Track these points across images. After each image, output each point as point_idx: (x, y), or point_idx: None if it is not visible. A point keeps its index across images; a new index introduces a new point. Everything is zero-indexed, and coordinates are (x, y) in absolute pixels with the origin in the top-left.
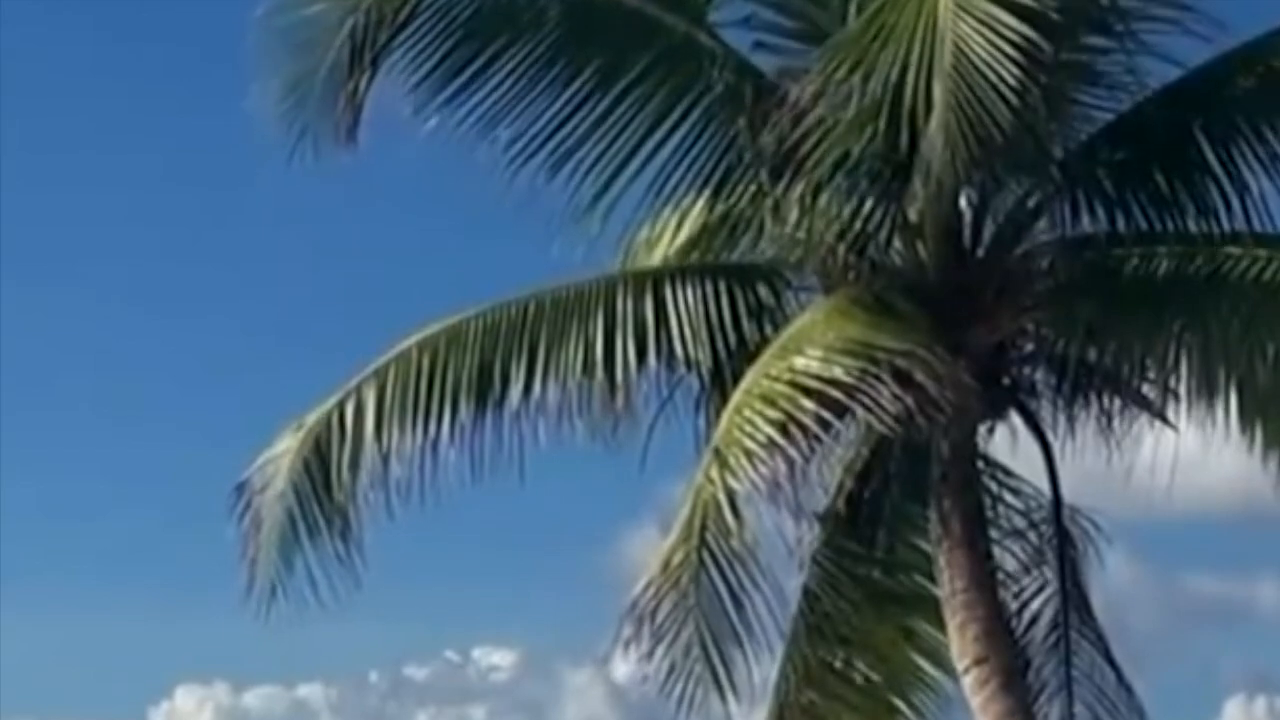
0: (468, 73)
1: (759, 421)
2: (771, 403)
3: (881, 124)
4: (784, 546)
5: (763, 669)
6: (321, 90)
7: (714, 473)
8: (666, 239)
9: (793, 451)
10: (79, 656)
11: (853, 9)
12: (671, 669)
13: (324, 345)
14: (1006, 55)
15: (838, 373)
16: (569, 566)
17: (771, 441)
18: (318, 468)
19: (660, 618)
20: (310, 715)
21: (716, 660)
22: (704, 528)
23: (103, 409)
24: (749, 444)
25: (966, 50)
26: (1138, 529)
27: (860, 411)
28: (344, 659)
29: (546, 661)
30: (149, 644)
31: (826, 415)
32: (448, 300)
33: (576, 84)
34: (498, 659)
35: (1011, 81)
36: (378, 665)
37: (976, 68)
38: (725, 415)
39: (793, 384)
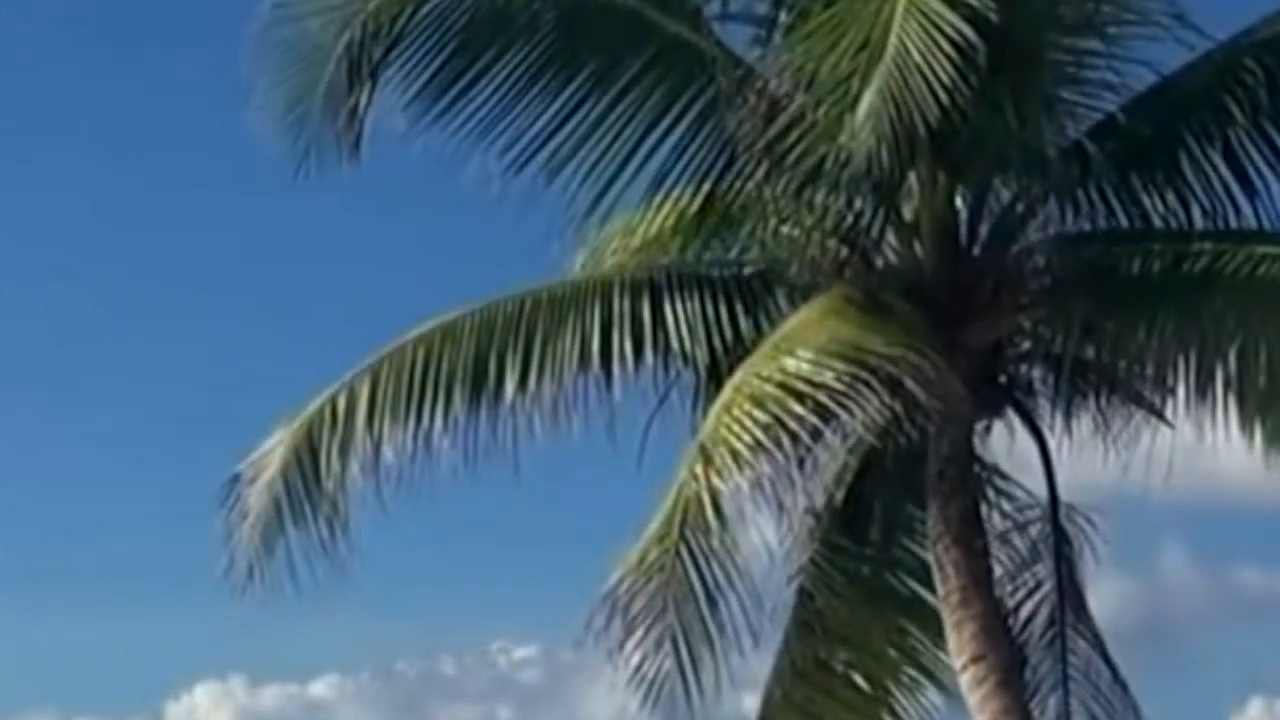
0: (464, 79)
1: (747, 422)
2: (760, 404)
3: (831, 114)
4: (767, 547)
5: (736, 666)
6: (322, 105)
7: (698, 470)
8: (656, 228)
9: (779, 455)
10: (99, 651)
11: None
12: (642, 662)
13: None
14: (942, 51)
15: (828, 378)
16: (598, 562)
17: (758, 443)
18: (308, 455)
19: (634, 611)
20: (329, 708)
21: (686, 657)
22: (684, 524)
23: (126, 408)
24: (736, 444)
25: (906, 42)
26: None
27: (849, 418)
28: (367, 653)
29: (574, 657)
30: (168, 639)
31: (815, 420)
32: (446, 300)
33: (571, 87)
34: (524, 654)
35: (944, 77)
36: (405, 658)
37: (912, 61)
38: (713, 412)
39: (782, 386)
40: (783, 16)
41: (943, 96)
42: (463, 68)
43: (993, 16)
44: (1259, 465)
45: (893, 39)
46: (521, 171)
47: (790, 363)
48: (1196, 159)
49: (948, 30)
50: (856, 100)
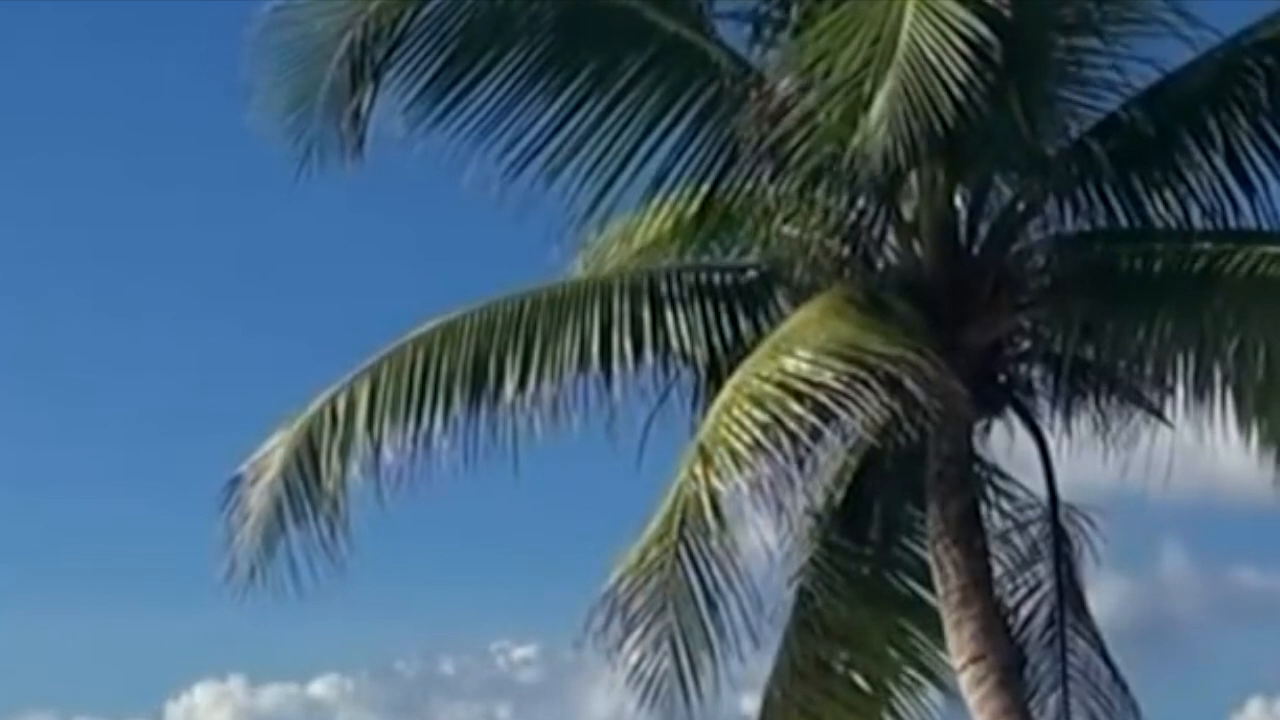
0: (464, 80)
1: (746, 422)
2: (759, 404)
3: (838, 113)
4: (766, 547)
5: (735, 666)
6: (324, 105)
7: (697, 470)
8: (656, 230)
9: (778, 455)
10: (99, 651)
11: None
12: (640, 661)
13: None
14: (956, 49)
15: (827, 377)
16: (598, 562)
17: (758, 443)
18: (308, 456)
19: (633, 610)
20: (329, 708)
21: (685, 657)
22: (683, 524)
23: (125, 408)
24: (735, 444)
25: (919, 41)
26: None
27: (848, 418)
28: (367, 653)
29: (573, 656)
30: (168, 639)
31: (814, 419)
32: (446, 300)
33: (571, 88)
34: (524, 654)
35: (958, 75)
36: (405, 658)
37: (926, 59)
38: (712, 412)
39: (782, 386)
40: (790, 16)
41: (958, 94)
42: (463, 69)
43: (1006, 13)
44: (1258, 465)
45: (904, 37)
46: (522, 172)
47: (790, 362)
48: (1196, 159)
49: (960, 27)
50: (869, 100)
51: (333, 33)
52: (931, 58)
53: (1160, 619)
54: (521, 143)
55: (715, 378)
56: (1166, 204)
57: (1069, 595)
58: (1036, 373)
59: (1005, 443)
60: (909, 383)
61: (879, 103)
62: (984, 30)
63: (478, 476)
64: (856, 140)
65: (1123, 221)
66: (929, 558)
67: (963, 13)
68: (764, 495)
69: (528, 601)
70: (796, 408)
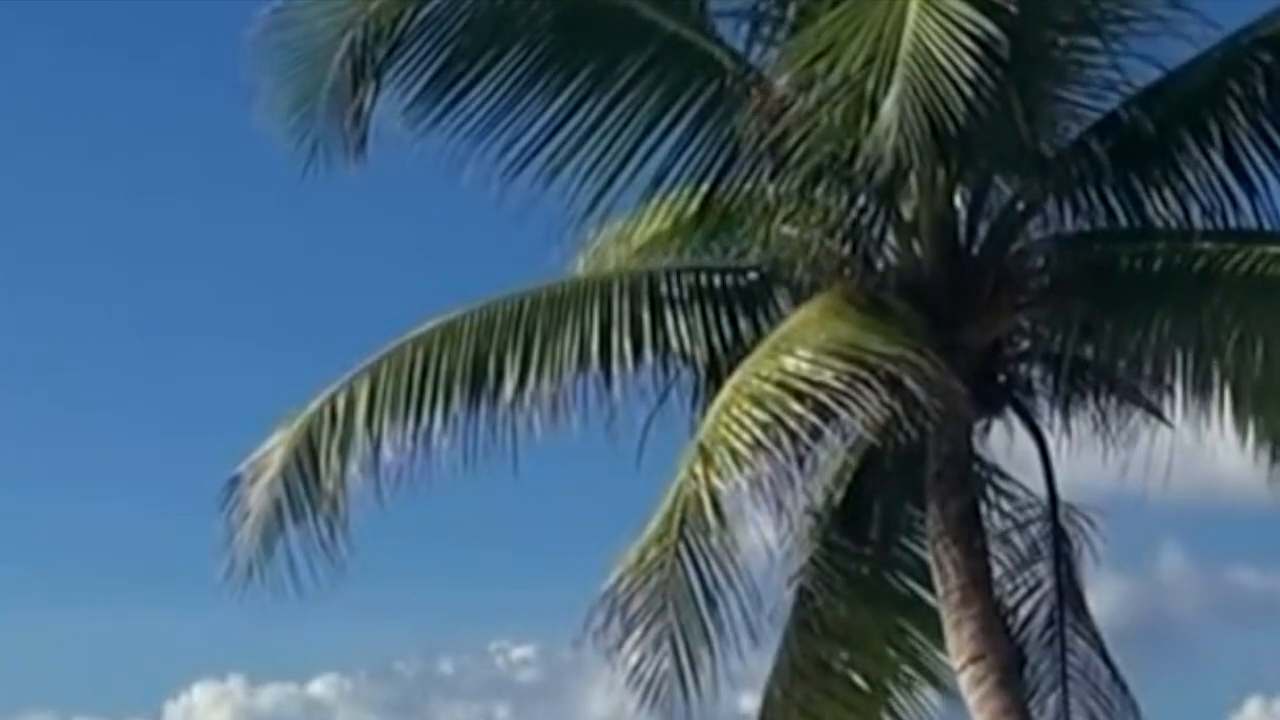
0: (464, 81)
1: (746, 421)
2: (759, 403)
3: (839, 113)
4: (766, 547)
5: (735, 666)
6: (326, 106)
7: (698, 469)
8: (656, 230)
9: (778, 454)
10: (98, 651)
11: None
12: (640, 661)
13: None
14: (964, 47)
15: (827, 377)
16: (597, 562)
17: (758, 443)
18: (307, 455)
19: (632, 610)
20: (328, 708)
21: (685, 656)
22: (683, 523)
23: (125, 408)
24: (735, 444)
25: (925, 40)
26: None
27: (848, 417)
28: (366, 653)
29: (572, 656)
30: (167, 639)
31: (814, 419)
32: (446, 300)
33: (571, 88)
34: (523, 653)
35: (967, 73)
36: (404, 657)
37: (934, 58)
38: (712, 411)
39: (781, 385)
40: (789, 14)
41: (968, 92)
42: (462, 69)
43: (1012, 9)
44: (1255, 464)
45: (908, 35)
46: (521, 172)
47: (790, 362)
48: (1196, 158)
49: (967, 25)
50: (872, 99)
51: (334, 33)
52: (939, 56)
53: (1159, 619)
54: (521, 142)
55: (715, 378)
56: (1166, 203)
57: (1069, 595)
58: (1036, 373)
59: (1005, 443)
60: (909, 382)
61: (888, 103)
62: (991, 27)
63: (477, 476)
64: (866, 141)
65: (1122, 221)
66: (929, 558)
67: (969, 10)
68: (764, 494)
69: (527, 601)
70: (796, 407)
